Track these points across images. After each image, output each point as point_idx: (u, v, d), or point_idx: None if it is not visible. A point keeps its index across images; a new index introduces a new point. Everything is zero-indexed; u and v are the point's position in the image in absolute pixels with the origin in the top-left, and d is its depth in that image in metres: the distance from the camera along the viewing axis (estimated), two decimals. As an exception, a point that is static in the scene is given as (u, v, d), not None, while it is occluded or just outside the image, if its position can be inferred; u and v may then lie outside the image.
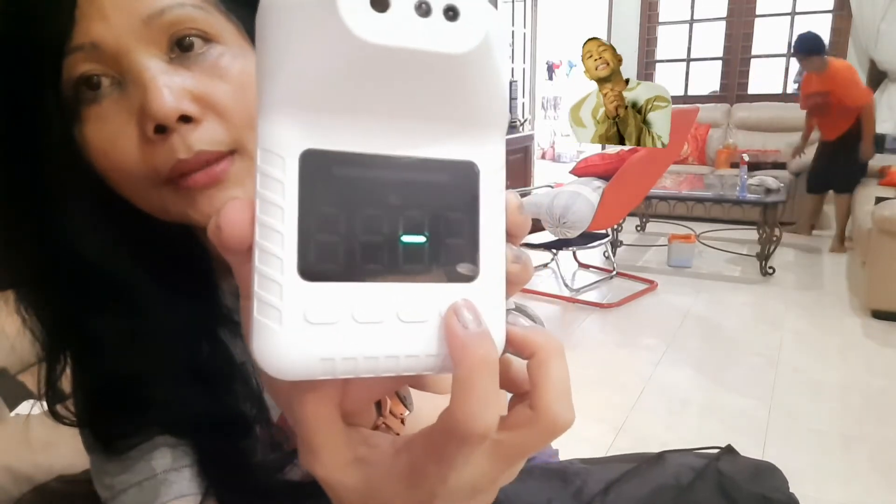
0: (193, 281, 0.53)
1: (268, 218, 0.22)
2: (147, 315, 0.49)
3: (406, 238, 0.23)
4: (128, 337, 0.48)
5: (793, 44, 3.86)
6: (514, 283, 0.26)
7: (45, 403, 0.52)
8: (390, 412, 0.42)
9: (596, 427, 2.11)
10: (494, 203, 0.25)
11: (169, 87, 0.41)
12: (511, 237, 0.26)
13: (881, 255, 2.89)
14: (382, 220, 0.23)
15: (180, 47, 0.43)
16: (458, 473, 0.25)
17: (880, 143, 4.78)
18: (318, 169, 0.23)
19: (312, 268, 0.22)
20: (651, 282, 3.51)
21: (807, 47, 3.71)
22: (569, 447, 0.57)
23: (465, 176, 0.24)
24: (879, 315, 2.93)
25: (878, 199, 3.10)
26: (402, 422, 0.42)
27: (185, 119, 0.42)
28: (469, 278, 0.24)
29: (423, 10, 0.22)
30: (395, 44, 0.21)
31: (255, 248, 0.22)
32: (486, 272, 0.24)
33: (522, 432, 0.25)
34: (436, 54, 0.22)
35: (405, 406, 0.43)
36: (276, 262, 0.22)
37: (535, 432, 0.25)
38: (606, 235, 3.57)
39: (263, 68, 0.22)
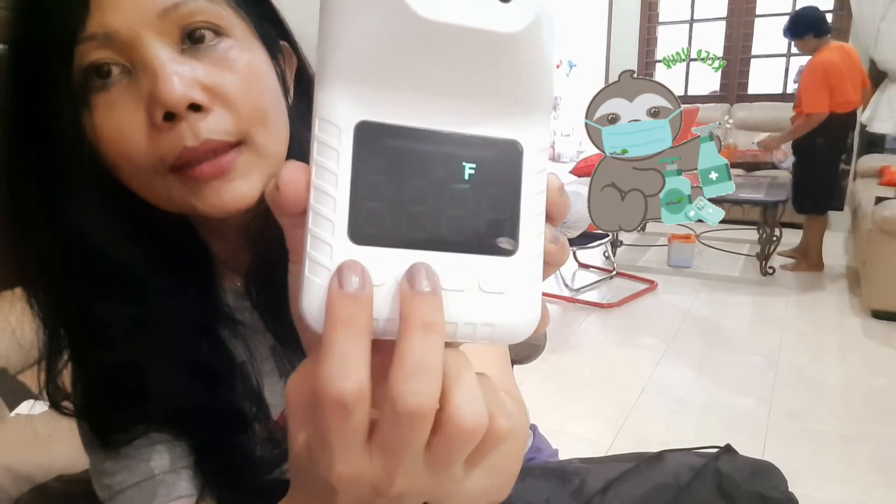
0: (194, 277, 0.53)
1: (322, 183, 0.24)
2: (150, 304, 0.49)
3: (450, 210, 0.25)
4: (131, 323, 0.48)
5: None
6: (551, 264, 0.27)
7: (45, 394, 0.52)
8: None
9: (596, 427, 2.11)
10: (536, 182, 0.26)
11: (179, 75, 0.42)
12: (550, 218, 0.26)
13: (881, 255, 2.89)
14: (429, 192, 0.24)
15: (191, 39, 0.44)
16: (340, 454, 0.24)
17: (880, 143, 4.79)
18: (371, 140, 0.24)
19: (361, 232, 0.24)
20: (651, 282, 3.51)
21: (789, 28, 3.38)
22: (568, 447, 0.57)
23: (509, 154, 0.25)
24: (879, 315, 2.93)
25: (878, 199, 3.09)
26: None
27: (194, 107, 0.43)
28: (508, 252, 0.25)
29: None
30: (450, 20, 0.23)
31: (309, 211, 0.24)
32: (524, 248, 0.25)
33: (382, 415, 0.23)
34: (488, 33, 0.23)
35: None
36: (329, 225, 0.23)
37: (386, 415, 0.23)
38: (606, 235, 3.57)
39: (324, 40, 0.24)
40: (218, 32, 0.45)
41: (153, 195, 0.47)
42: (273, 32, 0.51)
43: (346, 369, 0.22)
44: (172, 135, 0.43)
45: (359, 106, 0.24)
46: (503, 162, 0.25)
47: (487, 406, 0.25)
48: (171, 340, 0.50)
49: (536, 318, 0.26)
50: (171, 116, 0.42)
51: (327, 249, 0.24)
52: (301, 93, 0.55)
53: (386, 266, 0.24)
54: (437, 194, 0.24)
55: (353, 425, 0.23)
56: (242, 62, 0.45)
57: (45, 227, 0.47)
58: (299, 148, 0.50)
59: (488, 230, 0.25)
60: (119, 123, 0.43)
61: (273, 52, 0.50)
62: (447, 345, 0.24)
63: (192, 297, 0.52)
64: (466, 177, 0.25)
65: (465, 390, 0.24)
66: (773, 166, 4.35)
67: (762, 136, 4.19)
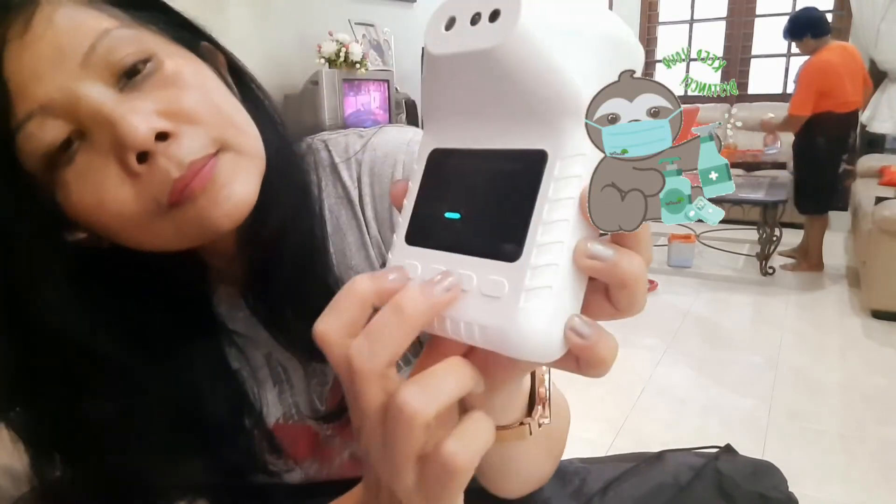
0: (187, 302, 0.53)
1: (405, 199, 0.31)
2: (136, 374, 0.48)
3: (472, 217, 0.28)
4: (121, 410, 0.47)
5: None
6: (614, 286, 0.27)
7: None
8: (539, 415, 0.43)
9: (596, 427, 2.11)
10: (558, 189, 0.25)
11: (133, 111, 0.40)
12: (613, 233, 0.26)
13: (881, 255, 2.89)
14: (462, 202, 0.28)
15: (125, 75, 0.42)
16: (354, 407, 0.29)
17: (880, 143, 4.79)
18: (434, 162, 0.30)
19: (412, 235, 0.30)
20: (651, 282, 3.50)
21: (787, 30, 3.40)
22: (568, 447, 0.57)
23: (530, 163, 0.26)
24: (879, 315, 2.93)
25: (878, 199, 3.09)
26: (539, 425, 0.42)
27: (162, 137, 0.41)
28: (510, 258, 0.26)
29: (474, 20, 0.26)
30: (449, 51, 0.27)
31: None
32: (533, 256, 0.25)
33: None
34: (477, 52, 0.26)
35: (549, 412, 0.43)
36: (399, 231, 0.31)
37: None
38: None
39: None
40: (146, 59, 0.42)
41: (159, 241, 0.45)
42: (190, 36, 0.49)
43: (339, 322, 0.28)
44: (155, 173, 0.41)
45: (433, 137, 0.30)
46: (523, 171, 0.26)
47: (458, 428, 0.28)
48: (165, 405, 0.49)
49: (542, 333, 0.25)
50: (144, 157, 0.40)
51: (393, 250, 0.30)
52: (240, 86, 0.53)
53: (423, 264, 0.28)
54: (468, 204, 0.28)
55: (331, 361, 0.29)
56: (184, 75, 0.44)
57: (16, 335, 0.45)
58: (266, 141, 0.48)
59: (496, 235, 0.26)
60: (98, 187, 0.41)
61: (199, 54, 0.48)
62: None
63: (189, 318, 0.52)
64: (491, 187, 0.27)
65: (425, 384, 0.27)
66: (773, 166, 4.35)
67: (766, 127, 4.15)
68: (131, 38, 0.42)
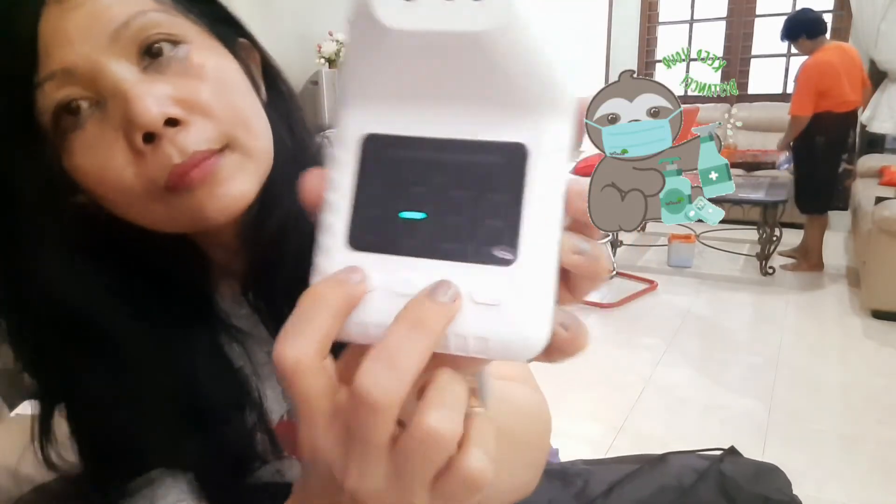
0: (188, 294, 0.52)
1: (330, 193, 0.25)
2: (136, 353, 0.48)
3: (446, 217, 0.24)
4: (118, 384, 0.47)
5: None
6: (583, 277, 0.25)
7: (38, 452, 0.52)
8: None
9: (596, 427, 2.11)
10: (546, 187, 0.24)
11: (149, 93, 0.41)
12: (578, 225, 0.25)
13: (881, 255, 2.89)
14: (426, 200, 0.24)
15: (150, 55, 0.42)
16: (350, 443, 0.24)
17: (880, 143, 4.78)
18: (376, 151, 0.25)
19: (359, 239, 0.25)
20: (651, 282, 3.50)
21: (784, 31, 3.39)
22: (568, 447, 0.57)
23: (511, 158, 0.24)
24: (879, 315, 2.93)
25: (878, 199, 3.09)
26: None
27: (172, 123, 0.41)
28: (505, 262, 0.24)
29: None
30: (421, 28, 0.23)
31: (319, 220, 0.25)
32: (526, 258, 0.23)
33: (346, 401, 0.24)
34: (460, 34, 0.23)
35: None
36: (331, 232, 0.25)
37: (348, 401, 0.24)
38: (606, 235, 3.57)
39: (342, 69, 0.26)
40: (174, 42, 0.43)
41: (154, 221, 0.45)
42: (229, 31, 0.50)
43: (301, 335, 0.23)
44: (158, 155, 0.41)
45: (366, 121, 0.25)
46: (504, 166, 0.24)
47: (471, 438, 0.24)
48: (164, 382, 0.49)
49: (541, 336, 0.23)
50: (150, 137, 0.41)
51: (327, 254, 0.25)
52: (270, 87, 0.53)
53: (380, 273, 0.24)
54: (435, 202, 0.24)
55: (302, 393, 0.24)
56: (209, 68, 0.44)
57: (18, 292, 0.46)
58: (279, 142, 0.49)
59: (484, 238, 0.24)
60: (102, 158, 0.42)
61: (234, 50, 0.49)
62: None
63: (186, 318, 0.51)
64: (465, 183, 0.24)
65: (442, 401, 0.23)
66: (773, 166, 4.35)
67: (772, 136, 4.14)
68: (166, 22, 0.43)
